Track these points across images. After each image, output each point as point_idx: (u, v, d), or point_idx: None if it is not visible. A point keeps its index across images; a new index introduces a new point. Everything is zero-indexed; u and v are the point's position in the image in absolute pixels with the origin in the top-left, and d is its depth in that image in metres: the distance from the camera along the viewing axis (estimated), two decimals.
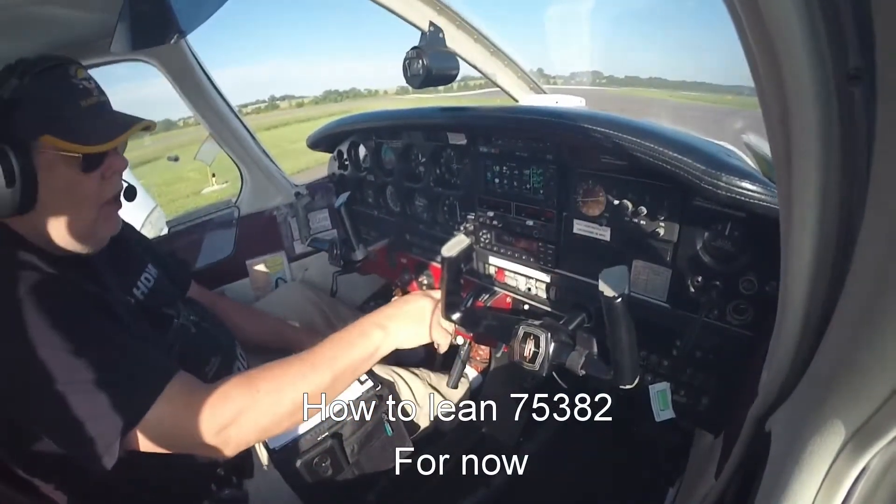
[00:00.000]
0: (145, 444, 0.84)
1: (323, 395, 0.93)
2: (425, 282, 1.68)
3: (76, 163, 0.89)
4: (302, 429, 1.22)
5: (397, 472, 1.39)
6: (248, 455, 1.18)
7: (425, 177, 1.50)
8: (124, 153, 1.02)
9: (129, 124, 0.94)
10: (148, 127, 0.98)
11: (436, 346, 1.12)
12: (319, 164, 2.17)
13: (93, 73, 0.97)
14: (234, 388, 0.87)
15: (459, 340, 1.29)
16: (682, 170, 0.86)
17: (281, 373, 0.91)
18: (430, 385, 1.57)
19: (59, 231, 0.91)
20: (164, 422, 0.82)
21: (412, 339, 1.04)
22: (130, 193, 1.06)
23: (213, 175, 10.66)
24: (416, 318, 1.04)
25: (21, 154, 0.82)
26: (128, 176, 1.05)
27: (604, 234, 1.07)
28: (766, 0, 0.33)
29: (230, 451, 0.87)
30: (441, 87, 1.23)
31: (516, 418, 1.74)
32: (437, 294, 1.06)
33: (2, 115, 0.83)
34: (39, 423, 0.81)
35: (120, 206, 1.02)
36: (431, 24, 1.14)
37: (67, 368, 0.77)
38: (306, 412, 0.91)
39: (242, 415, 0.85)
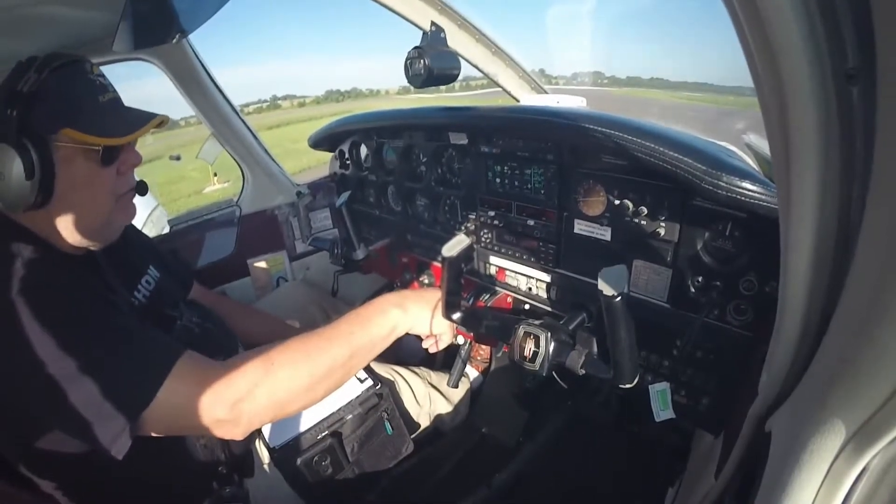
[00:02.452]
0: (159, 427, 0.83)
1: (339, 371, 0.92)
2: (426, 281, 1.68)
3: (95, 156, 0.89)
4: (302, 427, 1.23)
5: (397, 471, 1.39)
6: (248, 454, 1.19)
7: (426, 176, 1.50)
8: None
9: (147, 119, 0.96)
10: (162, 122, 0.99)
11: (437, 339, 1.12)
12: (321, 164, 2.17)
13: None
14: (248, 361, 0.85)
15: (460, 340, 1.29)
16: (682, 170, 0.86)
17: (297, 346, 0.89)
18: (430, 384, 1.57)
19: (73, 225, 0.91)
20: (176, 400, 0.81)
21: (426, 322, 1.05)
22: (143, 188, 1.06)
23: (215, 174, 10.65)
24: (431, 302, 1.05)
25: (40, 147, 0.83)
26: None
27: (604, 233, 1.07)
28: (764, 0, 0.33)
29: (243, 427, 0.85)
30: (442, 87, 1.23)
31: (516, 418, 1.74)
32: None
33: (21, 109, 0.83)
34: (45, 418, 0.81)
35: (133, 196, 1.03)
36: (433, 23, 1.14)
37: (74, 361, 0.77)
38: (323, 389, 0.91)
39: (257, 387, 0.83)
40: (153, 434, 0.84)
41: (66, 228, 0.91)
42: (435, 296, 1.05)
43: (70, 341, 0.78)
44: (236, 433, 0.85)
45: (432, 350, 1.16)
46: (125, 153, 0.96)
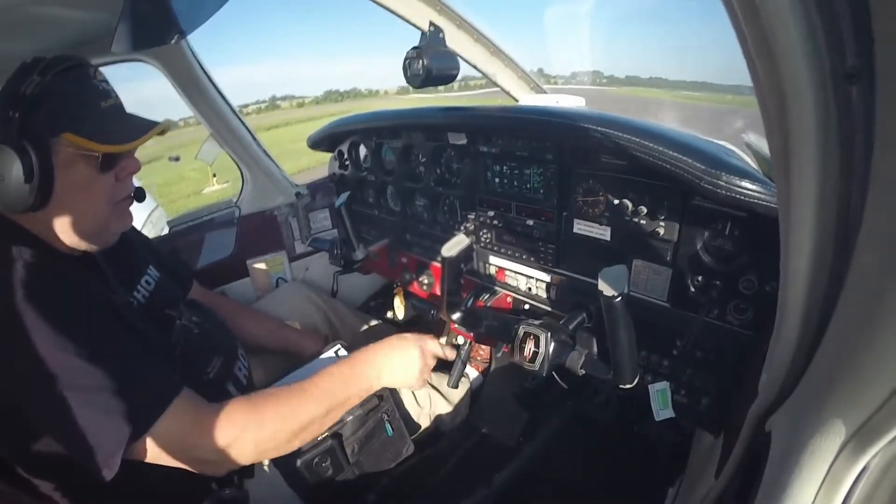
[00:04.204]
0: (146, 456, 0.86)
1: (317, 426, 1.01)
2: (426, 281, 1.68)
3: (94, 162, 0.90)
4: None
5: (398, 472, 1.39)
6: None
7: (425, 176, 1.50)
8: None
9: (148, 127, 0.96)
10: (164, 130, 1.00)
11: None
12: (320, 164, 2.17)
13: None
14: (238, 412, 0.91)
15: (460, 340, 1.29)
16: (682, 169, 0.86)
17: (284, 401, 0.97)
18: (430, 385, 1.57)
19: (70, 228, 0.92)
20: (167, 437, 0.85)
21: (401, 385, 1.19)
22: (140, 194, 1.07)
23: (214, 175, 10.67)
24: (407, 368, 1.13)
25: (40, 150, 0.83)
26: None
27: (604, 233, 1.07)
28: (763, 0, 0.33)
29: (224, 469, 0.93)
30: (441, 87, 1.23)
31: (516, 418, 1.74)
32: (428, 340, 1.16)
33: (23, 112, 0.83)
34: (42, 424, 0.82)
35: (131, 203, 1.03)
36: (432, 24, 1.13)
37: (74, 372, 0.78)
38: (300, 442, 1.00)
39: (244, 437, 0.90)
40: (140, 460, 0.86)
41: (63, 231, 0.91)
42: (412, 358, 1.12)
43: (68, 357, 0.78)
44: (217, 472, 0.95)
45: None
46: (124, 160, 0.96)
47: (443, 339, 1.94)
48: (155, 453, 0.86)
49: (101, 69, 0.97)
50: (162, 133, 0.99)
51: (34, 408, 0.79)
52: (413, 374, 1.14)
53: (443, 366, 1.86)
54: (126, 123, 0.96)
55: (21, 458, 0.89)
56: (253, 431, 0.91)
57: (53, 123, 0.85)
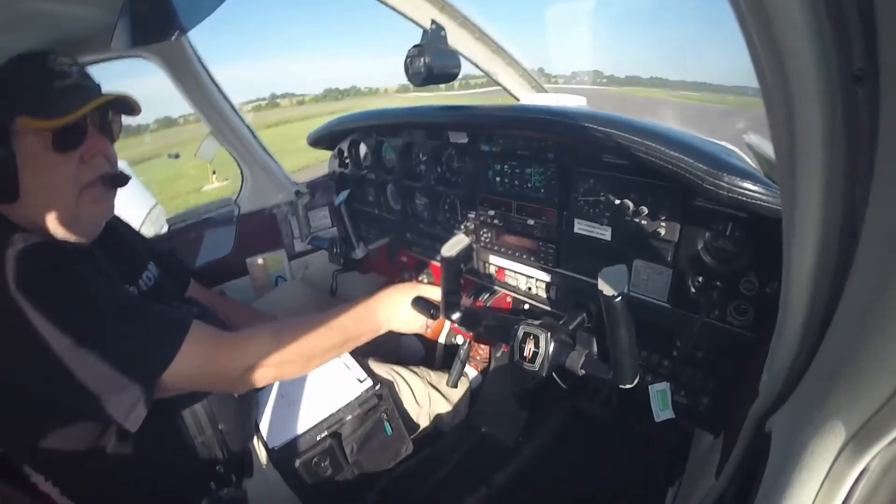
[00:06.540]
0: (177, 386, 0.90)
1: (331, 353, 1.07)
2: (426, 280, 1.67)
3: (48, 141, 0.87)
4: (301, 428, 1.22)
5: (397, 472, 1.39)
6: (247, 453, 1.19)
7: (426, 175, 1.50)
8: (116, 145, 1.01)
9: (95, 96, 0.92)
10: (131, 106, 0.98)
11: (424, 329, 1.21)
12: (320, 162, 2.17)
13: (93, 70, 0.96)
14: (263, 335, 0.98)
15: (459, 340, 1.29)
16: (683, 170, 0.86)
17: (304, 329, 1.02)
18: (429, 384, 1.57)
19: (45, 217, 0.90)
20: (192, 364, 0.88)
21: (406, 328, 1.19)
22: (120, 179, 1.00)
23: (214, 172, 10.65)
24: (409, 312, 1.16)
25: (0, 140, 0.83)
26: (128, 172, 1.05)
27: (605, 233, 1.07)
28: (771, 1, 0.33)
29: (245, 388, 0.99)
30: (442, 86, 1.22)
31: (516, 417, 1.74)
32: (426, 288, 1.17)
33: None
34: (64, 389, 0.81)
35: (106, 189, 0.98)
36: (433, 22, 1.13)
37: (83, 336, 0.79)
38: (315, 366, 1.06)
39: (266, 359, 0.95)
40: (172, 391, 0.89)
41: (41, 221, 0.90)
42: (403, 298, 1.16)
43: (79, 317, 0.80)
44: (238, 390, 1.04)
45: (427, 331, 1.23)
46: (90, 139, 0.92)
47: (441, 338, 1.94)
48: (184, 381, 0.90)
49: (102, 65, 0.97)
50: (131, 111, 0.98)
51: (49, 382, 0.79)
52: (414, 317, 1.18)
53: (442, 365, 1.86)
54: (76, 97, 0.90)
55: (22, 456, 0.89)
56: (275, 356, 0.96)
57: (8, 110, 0.84)
